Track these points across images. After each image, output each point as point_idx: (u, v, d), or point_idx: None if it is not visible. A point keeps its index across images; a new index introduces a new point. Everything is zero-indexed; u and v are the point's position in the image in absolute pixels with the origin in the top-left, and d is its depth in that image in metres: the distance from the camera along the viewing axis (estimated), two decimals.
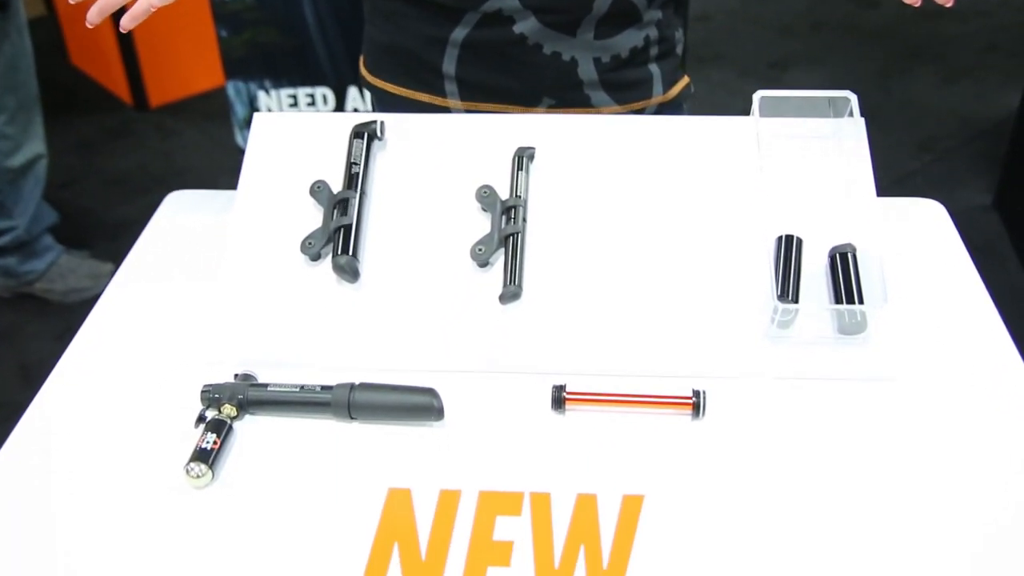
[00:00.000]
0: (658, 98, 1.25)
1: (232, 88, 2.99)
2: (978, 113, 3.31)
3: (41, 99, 2.44)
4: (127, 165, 3.16)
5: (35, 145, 2.42)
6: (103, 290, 1.13)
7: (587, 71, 1.19)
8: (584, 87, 1.21)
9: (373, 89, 1.30)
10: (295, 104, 2.99)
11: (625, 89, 1.23)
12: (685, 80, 1.31)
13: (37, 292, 2.57)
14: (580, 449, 0.92)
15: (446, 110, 1.24)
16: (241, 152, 1.13)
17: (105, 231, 2.84)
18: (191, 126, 3.33)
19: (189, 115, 3.38)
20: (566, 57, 1.18)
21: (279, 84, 2.96)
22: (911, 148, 3.16)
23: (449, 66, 1.21)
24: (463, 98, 1.23)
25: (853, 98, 1.09)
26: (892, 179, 2.99)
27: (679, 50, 1.28)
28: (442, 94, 1.23)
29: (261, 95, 2.98)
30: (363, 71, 1.32)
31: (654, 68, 1.24)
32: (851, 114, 1.09)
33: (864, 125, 1.08)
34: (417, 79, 1.24)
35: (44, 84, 2.48)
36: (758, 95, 1.10)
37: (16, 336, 2.52)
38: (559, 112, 1.22)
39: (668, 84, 1.26)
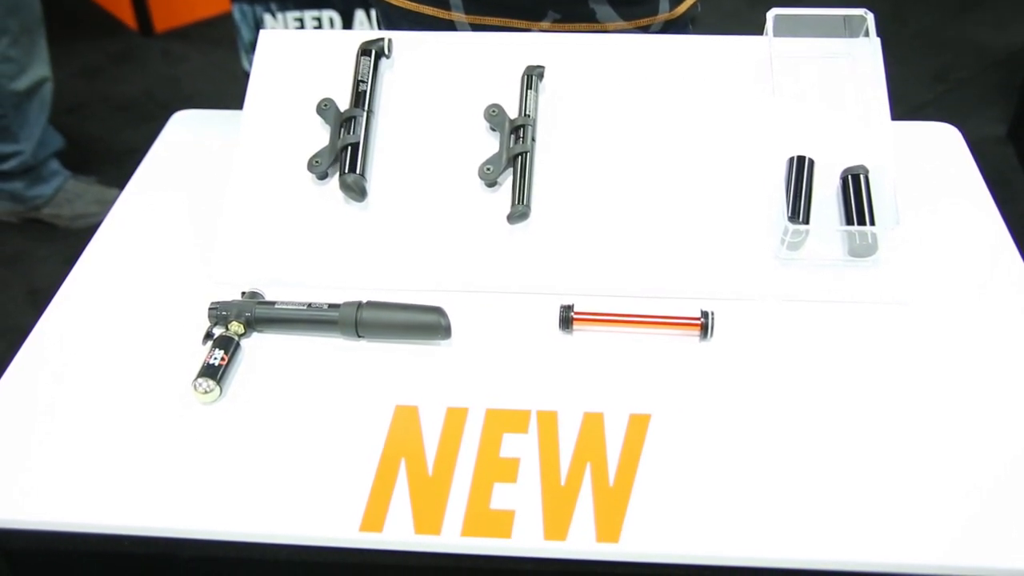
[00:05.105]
0: (664, 15, 1.22)
1: (238, 11, 2.94)
2: (994, 42, 3.25)
3: (45, 23, 2.41)
4: (133, 91, 3.13)
5: (40, 68, 2.40)
6: None
7: None
8: (589, 1, 1.18)
9: (378, 3, 1.28)
10: (302, 27, 2.95)
11: (631, 4, 1.20)
12: None
13: (45, 218, 2.56)
14: (587, 369, 0.92)
15: (450, 24, 1.22)
16: (247, 77, 1.11)
17: (112, 157, 2.82)
18: (197, 52, 3.29)
19: (195, 40, 3.34)
20: None
21: (285, 7, 2.92)
22: (925, 78, 3.11)
23: None
24: (467, 11, 1.20)
25: (869, 17, 1.07)
26: (905, 109, 2.95)
27: None
28: (446, 7, 1.21)
29: (267, 18, 2.93)
30: None
31: None
32: (867, 34, 1.07)
33: (880, 45, 1.06)
34: None
35: (48, 8, 2.44)
36: (772, 13, 1.07)
37: (25, 261, 2.52)
38: (564, 27, 1.19)
39: (675, 1, 1.23)
